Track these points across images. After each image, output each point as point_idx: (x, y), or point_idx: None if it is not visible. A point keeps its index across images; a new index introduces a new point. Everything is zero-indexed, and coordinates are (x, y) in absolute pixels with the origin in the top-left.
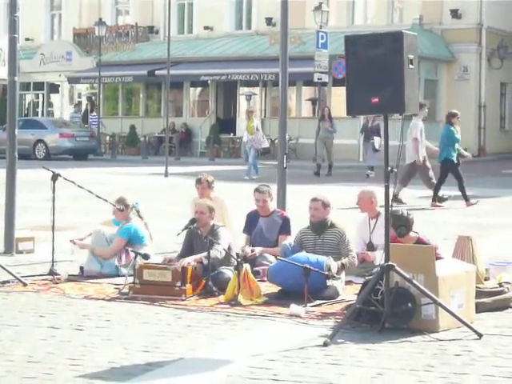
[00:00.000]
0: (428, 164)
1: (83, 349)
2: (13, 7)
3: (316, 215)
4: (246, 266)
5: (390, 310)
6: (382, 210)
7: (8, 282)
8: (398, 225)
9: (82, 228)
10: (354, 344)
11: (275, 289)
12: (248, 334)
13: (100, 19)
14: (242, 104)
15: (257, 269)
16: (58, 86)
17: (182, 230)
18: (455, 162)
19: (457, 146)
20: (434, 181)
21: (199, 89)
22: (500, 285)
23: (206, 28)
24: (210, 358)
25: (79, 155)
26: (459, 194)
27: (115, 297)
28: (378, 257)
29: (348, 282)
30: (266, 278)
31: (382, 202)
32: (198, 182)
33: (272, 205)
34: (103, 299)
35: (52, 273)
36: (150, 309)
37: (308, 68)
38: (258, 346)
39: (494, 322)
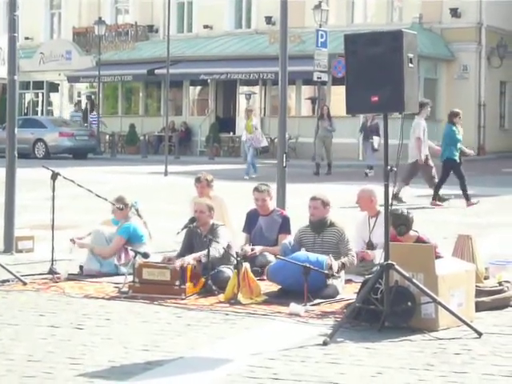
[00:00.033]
0: (431, 163)
1: (83, 348)
2: (12, 6)
3: (315, 214)
4: (246, 265)
5: (389, 309)
6: (382, 209)
7: (8, 280)
8: (398, 223)
9: (81, 227)
10: (354, 343)
11: (275, 288)
12: (248, 333)
13: (100, 18)
14: (242, 103)
15: (256, 268)
16: (58, 85)
17: (182, 229)
18: (457, 161)
19: (459, 145)
20: (437, 180)
21: (199, 88)
22: (500, 284)
23: (206, 27)
24: (209, 356)
25: (79, 154)
26: (460, 193)
27: (115, 296)
28: (378, 256)
29: (348, 281)
30: (265, 277)
31: (381, 201)
32: (198, 180)
33: (272, 204)
34: (103, 298)
35: (52, 272)
36: (149, 308)
37: (307, 67)
38: (257, 345)
39: (494, 320)
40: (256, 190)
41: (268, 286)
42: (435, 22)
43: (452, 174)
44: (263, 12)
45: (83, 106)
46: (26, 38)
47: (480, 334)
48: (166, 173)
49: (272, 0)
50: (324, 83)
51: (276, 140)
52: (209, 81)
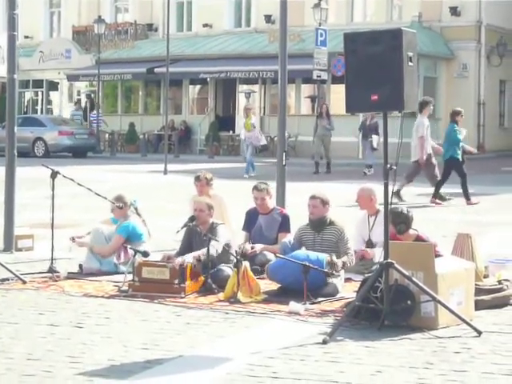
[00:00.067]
0: (434, 161)
1: (83, 346)
2: (12, 4)
3: (315, 213)
4: (246, 264)
5: (389, 308)
6: (382, 208)
7: (7, 279)
8: (398, 222)
9: (81, 225)
10: (354, 341)
11: (275, 286)
12: (247, 332)
13: (99, 17)
14: (242, 101)
15: (256, 266)
16: (57, 83)
17: (181, 228)
18: (460, 159)
19: (461, 143)
20: (439, 178)
21: (198, 86)
22: (499, 282)
23: (205, 25)
24: (209, 355)
25: (78, 153)
26: (459, 191)
27: (114, 294)
28: (378, 254)
29: (347, 280)
30: (265, 275)
31: (381, 200)
32: (197, 179)
33: (271, 202)
34: (102, 297)
35: (51, 270)
36: (149, 306)
37: (307, 65)
38: (257, 344)
39: (493, 319)
40: (255, 188)
41: (268, 285)
42: (435, 21)
43: (454, 173)
44: (263, 11)
45: (83, 105)
46: (26, 37)
47: (480, 333)
48: (165, 171)
49: None
50: (323, 82)
51: (276, 138)
52: (208, 79)
